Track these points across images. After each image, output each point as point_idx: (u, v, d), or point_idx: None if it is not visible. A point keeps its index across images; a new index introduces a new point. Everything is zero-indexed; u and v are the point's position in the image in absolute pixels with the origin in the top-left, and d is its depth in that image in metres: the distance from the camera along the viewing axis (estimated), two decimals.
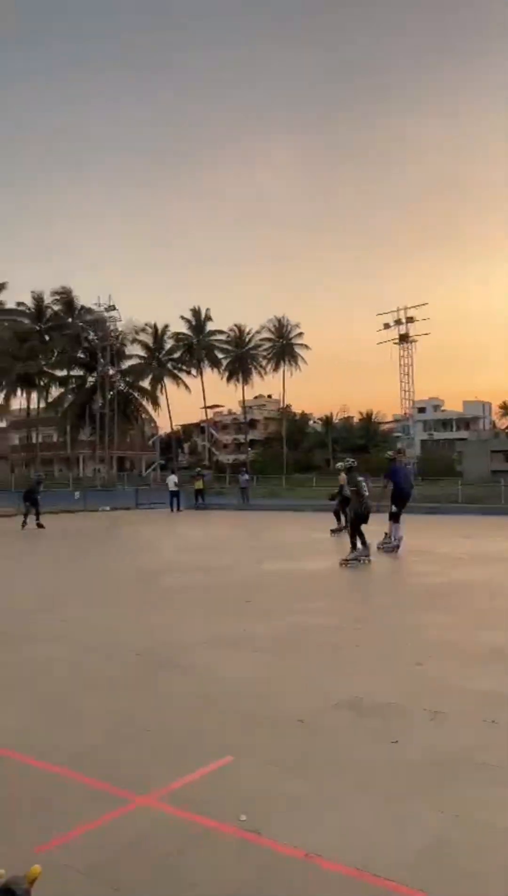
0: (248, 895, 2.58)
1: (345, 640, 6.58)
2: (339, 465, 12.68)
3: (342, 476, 14.17)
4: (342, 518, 15.85)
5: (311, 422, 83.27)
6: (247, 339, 69.53)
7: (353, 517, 11.95)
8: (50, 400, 65.73)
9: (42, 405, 65.29)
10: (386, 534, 13.39)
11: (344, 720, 4.38)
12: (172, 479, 29.53)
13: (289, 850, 2.84)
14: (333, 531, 16.62)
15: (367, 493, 11.89)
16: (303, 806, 3.25)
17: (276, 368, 69.61)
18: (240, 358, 68.76)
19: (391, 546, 13.19)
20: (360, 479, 11.97)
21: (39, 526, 20.20)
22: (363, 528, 11.75)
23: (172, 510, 27.88)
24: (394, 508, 13.20)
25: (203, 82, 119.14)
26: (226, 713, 4.55)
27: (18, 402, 65.29)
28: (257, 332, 69.47)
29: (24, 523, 20.25)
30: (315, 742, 4.03)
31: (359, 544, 11.70)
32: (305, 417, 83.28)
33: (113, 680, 5.35)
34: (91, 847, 2.89)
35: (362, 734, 4.14)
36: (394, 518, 13.27)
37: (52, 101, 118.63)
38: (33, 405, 64.55)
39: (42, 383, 63.60)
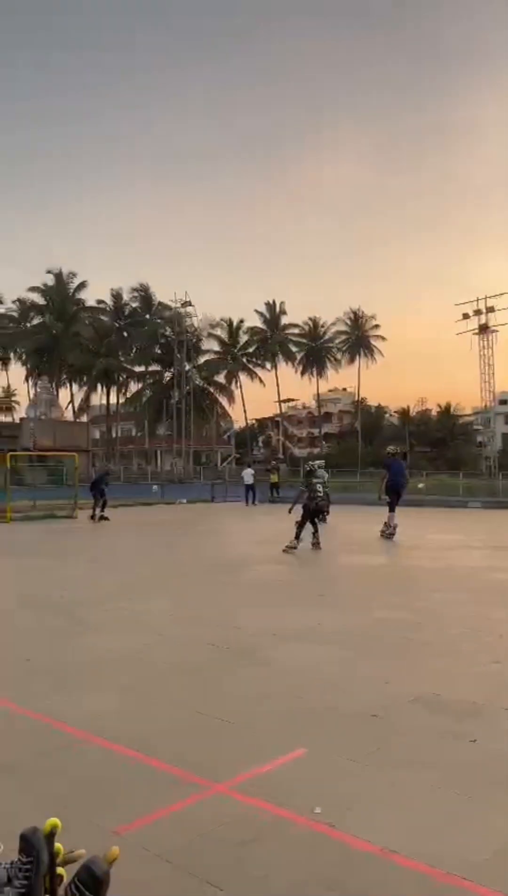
0: (322, 888, 2.58)
1: (420, 635, 6.48)
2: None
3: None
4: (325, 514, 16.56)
5: (387, 415, 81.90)
6: (322, 332, 69.09)
7: (303, 511, 12.97)
8: (128, 395, 67.28)
9: (121, 400, 66.91)
10: (386, 523, 14.70)
11: (419, 716, 4.32)
12: (249, 473, 29.69)
13: (364, 845, 2.82)
14: (297, 522, 16.51)
15: (320, 494, 13.10)
16: (377, 801, 3.22)
17: (351, 361, 68.92)
18: (314, 351, 68.41)
19: (387, 533, 14.58)
20: (315, 480, 13.11)
21: (102, 518, 19.95)
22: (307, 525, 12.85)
23: (247, 503, 28.07)
24: (388, 499, 14.70)
25: (271, 73, 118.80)
26: (299, 706, 4.55)
27: (99, 397, 67.18)
28: (333, 324, 68.97)
29: (100, 516, 20.17)
30: (390, 737, 3.99)
31: (302, 535, 12.74)
32: (381, 410, 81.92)
33: (187, 670, 5.43)
34: (167, 831, 2.95)
35: (438, 731, 4.07)
36: (390, 508, 14.63)
37: (123, 101, 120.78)
38: (113, 400, 66.27)
39: (121, 379, 65.11)
